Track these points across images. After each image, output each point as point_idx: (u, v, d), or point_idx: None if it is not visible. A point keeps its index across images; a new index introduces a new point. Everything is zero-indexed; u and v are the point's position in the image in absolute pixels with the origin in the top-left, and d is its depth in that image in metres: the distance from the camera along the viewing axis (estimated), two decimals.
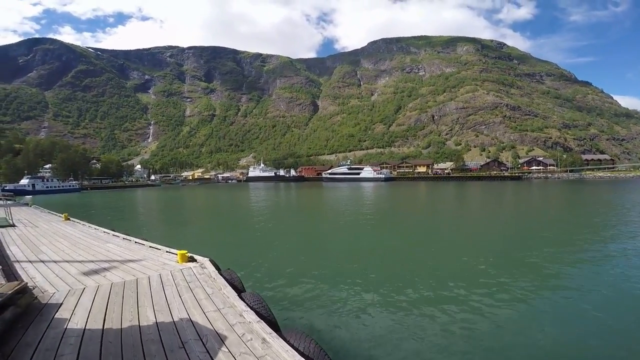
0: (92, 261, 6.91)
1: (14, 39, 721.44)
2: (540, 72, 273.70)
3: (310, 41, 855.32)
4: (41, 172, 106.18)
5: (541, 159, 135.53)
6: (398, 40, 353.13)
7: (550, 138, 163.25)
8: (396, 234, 17.66)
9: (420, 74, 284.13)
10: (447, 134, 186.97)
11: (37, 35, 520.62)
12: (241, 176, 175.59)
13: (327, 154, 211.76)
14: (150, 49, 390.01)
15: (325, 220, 24.65)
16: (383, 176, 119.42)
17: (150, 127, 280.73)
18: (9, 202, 34.77)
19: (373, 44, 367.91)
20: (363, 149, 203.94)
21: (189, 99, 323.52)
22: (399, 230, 19.36)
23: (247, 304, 4.70)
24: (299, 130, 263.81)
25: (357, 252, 13.22)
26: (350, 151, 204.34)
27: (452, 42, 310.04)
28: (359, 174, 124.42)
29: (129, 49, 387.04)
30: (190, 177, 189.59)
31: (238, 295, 4.96)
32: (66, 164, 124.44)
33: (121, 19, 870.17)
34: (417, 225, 21.06)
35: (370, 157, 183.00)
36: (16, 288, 4.06)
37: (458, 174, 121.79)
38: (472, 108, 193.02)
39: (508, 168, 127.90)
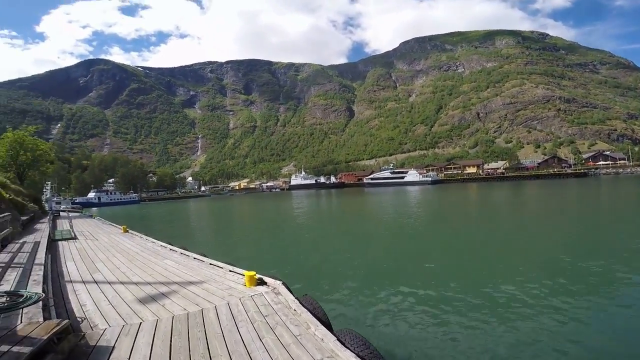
0: (149, 283, 5.98)
1: (72, 60, 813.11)
2: (593, 61, 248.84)
3: (340, 47, 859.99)
4: (105, 185, 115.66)
5: (608, 153, 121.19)
6: (431, 38, 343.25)
7: (615, 130, 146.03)
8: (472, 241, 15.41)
9: (459, 71, 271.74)
10: (495, 132, 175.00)
11: (91, 57, 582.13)
12: (284, 185, 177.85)
13: (367, 159, 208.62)
14: (192, 65, 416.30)
15: (381, 229, 21.97)
16: (430, 179, 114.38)
17: (199, 141, 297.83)
18: (73, 214, 36.73)
19: (405, 44, 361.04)
20: (404, 152, 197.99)
21: (231, 112, 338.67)
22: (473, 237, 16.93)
23: (352, 351, 3.38)
24: (336, 137, 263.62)
25: (434, 267, 11.31)
26: (390, 155, 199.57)
27: (489, 36, 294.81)
28: (403, 177, 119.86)
29: (173, 66, 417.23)
30: (237, 187, 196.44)
31: (337, 339, 3.58)
32: (127, 177, 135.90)
33: (162, 37, 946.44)
34: (483, 231, 18.32)
35: (412, 160, 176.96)
36: (54, 330, 3.11)
37: (513, 173, 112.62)
38: (521, 103, 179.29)
39: (570, 164, 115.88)
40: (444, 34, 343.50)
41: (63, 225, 16.87)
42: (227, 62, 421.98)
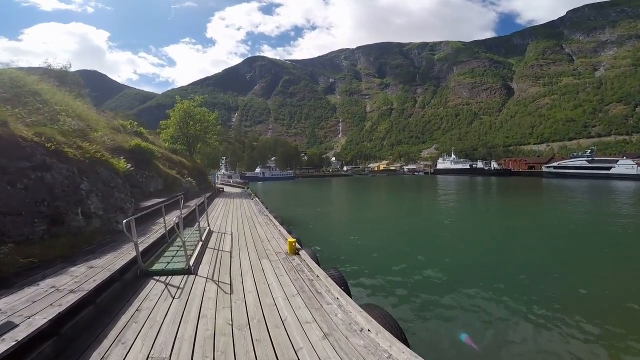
0: None
1: (237, 59, 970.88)
2: None
3: (482, 20, 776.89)
4: (268, 163, 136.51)
5: None
6: (613, 3, 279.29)
7: None
8: None
9: None
10: None
11: (249, 55, 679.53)
12: (427, 168, 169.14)
13: (534, 143, 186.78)
14: (327, 54, 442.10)
15: None
16: None
17: (340, 124, 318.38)
18: (235, 190, 33.78)
19: (575, 11, 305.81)
20: (592, 137, 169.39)
21: (367, 96, 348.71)
22: None
23: None
24: (490, 118, 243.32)
25: None
26: (570, 139, 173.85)
27: None
28: (609, 168, 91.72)
29: (312, 57, 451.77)
30: (376, 168, 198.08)
31: None
32: (284, 156, 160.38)
33: (298, 31, 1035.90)
34: None
35: (605, 147, 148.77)
36: None
37: None
38: None
39: None
40: None
41: (205, 218, 10.57)
42: (358, 48, 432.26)
